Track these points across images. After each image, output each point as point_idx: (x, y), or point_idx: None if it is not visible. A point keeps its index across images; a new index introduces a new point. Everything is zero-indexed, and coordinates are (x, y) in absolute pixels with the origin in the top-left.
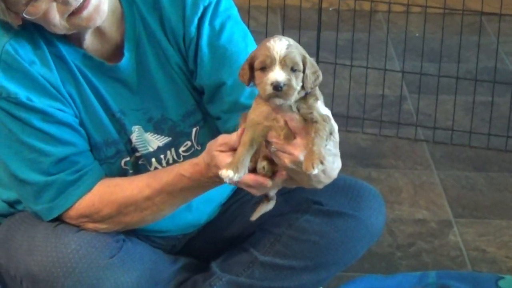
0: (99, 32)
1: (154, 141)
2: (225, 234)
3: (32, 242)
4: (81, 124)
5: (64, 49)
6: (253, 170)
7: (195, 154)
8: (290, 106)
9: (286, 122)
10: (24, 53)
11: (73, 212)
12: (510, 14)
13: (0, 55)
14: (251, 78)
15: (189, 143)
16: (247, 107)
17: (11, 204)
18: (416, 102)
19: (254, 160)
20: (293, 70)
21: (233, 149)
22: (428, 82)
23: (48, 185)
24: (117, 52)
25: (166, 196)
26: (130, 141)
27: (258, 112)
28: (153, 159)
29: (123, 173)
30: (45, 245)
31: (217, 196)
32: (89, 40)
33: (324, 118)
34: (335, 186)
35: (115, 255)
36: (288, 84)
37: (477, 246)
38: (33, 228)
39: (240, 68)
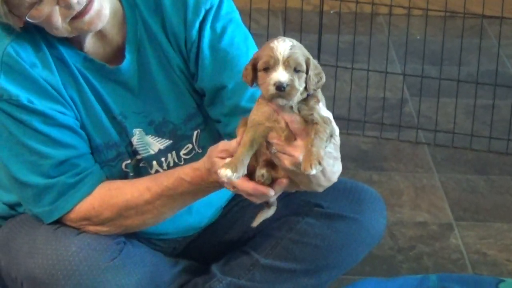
0: (100, 34)
1: (155, 144)
2: (226, 237)
3: (32, 244)
4: (82, 126)
5: (66, 52)
6: (251, 174)
7: (196, 157)
8: (292, 107)
9: (287, 124)
10: (25, 55)
11: (73, 214)
12: (511, 17)
13: (2, 57)
14: (254, 78)
15: (190, 146)
16: (247, 111)
17: (12, 206)
18: (417, 105)
19: (253, 164)
20: (296, 71)
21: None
22: (429, 85)
23: (48, 188)
24: (118, 55)
25: (167, 200)
26: (131, 144)
27: (259, 112)
28: (154, 162)
29: (124, 176)
30: (46, 247)
31: (218, 199)
32: (90, 43)
33: (325, 120)
34: (336, 189)
35: (116, 257)
36: (291, 85)
37: (478, 249)
38: (34, 230)
39: (244, 69)
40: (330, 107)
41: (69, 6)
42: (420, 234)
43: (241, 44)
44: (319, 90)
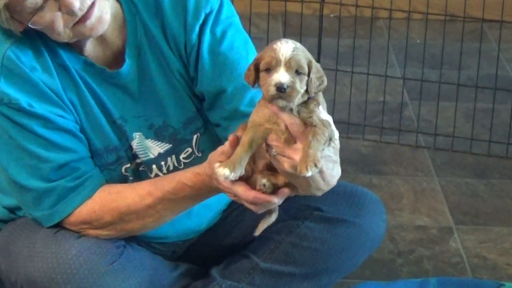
0: (100, 38)
1: (155, 148)
2: (226, 241)
3: (32, 248)
4: (82, 130)
5: (66, 56)
6: (247, 179)
7: (196, 160)
8: (291, 110)
9: (287, 127)
10: (25, 59)
11: (73, 218)
12: (511, 21)
13: (2, 60)
14: (256, 79)
15: (189, 150)
16: (247, 115)
17: (12, 210)
18: (417, 109)
19: (250, 168)
20: (297, 73)
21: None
22: (429, 88)
23: (48, 192)
24: (118, 59)
25: (168, 204)
26: (130, 147)
27: (260, 114)
28: (154, 166)
29: (123, 180)
30: (46, 251)
31: (217, 202)
32: (90, 47)
33: (324, 123)
34: (336, 193)
35: (116, 261)
36: (292, 87)
37: (478, 253)
38: (34, 234)
39: (247, 69)
40: (330, 110)
41: (71, 12)
42: (420, 238)
43: (241, 48)
44: (321, 94)
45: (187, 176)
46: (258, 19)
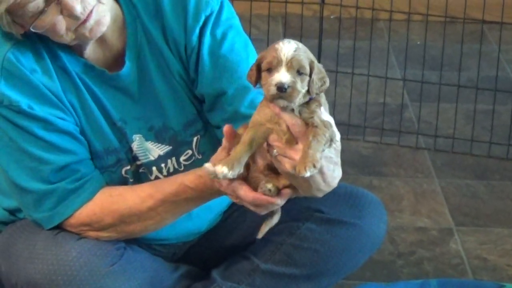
0: (100, 40)
1: (155, 150)
2: (226, 242)
3: (33, 250)
4: (82, 132)
5: (66, 58)
6: (244, 178)
7: (196, 163)
8: (293, 110)
9: (288, 127)
10: (25, 61)
11: (74, 220)
12: (511, 22)
13: (2, 62)
14: (258, 79)
15: (190, 152)
16: (247, 117)
17: (12, 212)
18: (417, 110)
19: (249, 167)
20: (299, 73)
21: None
22: (429, 90)
23: (48, 193)
24: (118, 61)
25: (170, 206)
26: (131, 149)
27: (262, 113)
28: (154, 168)
29: (123, 182)
30: (46, 253)
31: (218, 204)
32: (90, 49)
33: (325, 124)
34: (336, 194)
35: (116, 263)
36: (292, 87)
37: (478, 254)
38: (34, 236)
39: (249, 69)
40: (330, 112)
41: (73, 16)
42: (420, 239)
43: (241, 50)
44: (322, 95)
45: (189, 178)
46: (258, 21)
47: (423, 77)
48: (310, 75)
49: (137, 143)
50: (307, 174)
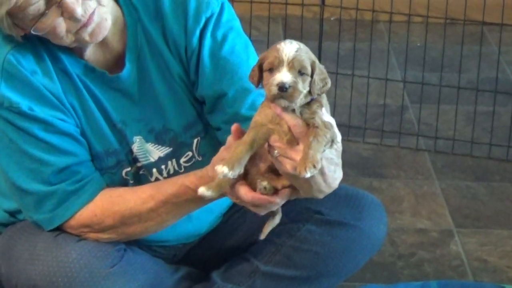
0: (101, 42)
1: (155, 152)
2: (226, 244)
3: (33, 251)
4: (82, 134)
5: (66, 60)
6: (245, 179)
7: (196, 164)
8: (294, 111)
9: (289, 128)
10: (26, 63)
11: (74, 222)
12: (511, 24)
13: (2, 64)
14: (260, 79)
15: (190, 153)
16: (247, 119)
17: (12, 213)
18: (417, 112)
19: (249, 168)
20: (300, 73)
21: None
22: (429, 91)
23: (49, 195)
24: (118, 62)
25: (171, 207)
26: (131, 151)
27: (263, 114)
28: (154, 170)
29: (124, 183)
30: (46, 254)
31: (218, 206)
32: (91, 51)
33: (326, 125)
34: (337, 195)
35: (116, 264)
36: (294, 86)
37: (479, 256)
38: (34, 237)
39: (251, 70)
40: (330, 113)
41: (73, 18)
42: (421, 241)
43: (242, 52)
44: (324, 96)
45: (190, 179)
46: (258, 22)
47: (423, 79)
48: (312, 76)
49: (138, 144)
50: (307, 174)
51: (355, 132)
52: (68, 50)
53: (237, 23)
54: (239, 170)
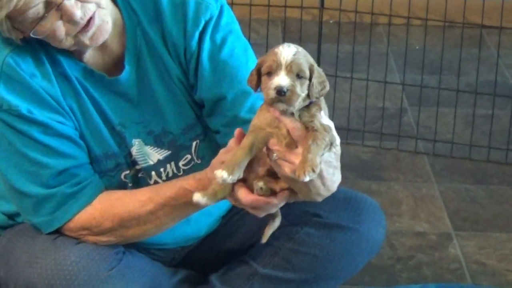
0: (100, 45)
1: (154, 155)
2: (225, 247)
3: (31, 254)
4: (81, 137)
5: (65, 62)
6: (245, 181)
7: (195, 167)
8: (293, 114)
9: (288, 131)
10: (25, 65)
11: (73, 224)
12: (510, 27)
13: (1, 67)
14: (259, 83)
15: (189, 156)
16: (247, 122)
17: (11, 216)
18: (416, 115)
19: (248, 172)
20: (298, 77)
21: None
22: (428, 94)
23: (48, 198)
24: (118, 65)
25: (170, 210)
26: (130, 154)
27: (262, 118)
28: (153, 172)
29: (122, 186)
30: (45, 257)
31: (217, 208)
32: (90, 54)
33: (325, 128)
34: (335, 198)
35: (115, 267)
36: (292, 90)
37: (477, 259)
38: (33, 240)
39: (249, 74)
40: (329, 116)
41: (73, 22)
42: (419, 244)
43: (241, 55)
44: (322, 99)
45: (189, 182)
46: (257, 25)
47: (422, 82)
48: (310, 79)
49: (136, 147)
50: (307, 178)
51: (354, 135)
52: (67, 52)
53: (236, 26)
54: (238, 174)
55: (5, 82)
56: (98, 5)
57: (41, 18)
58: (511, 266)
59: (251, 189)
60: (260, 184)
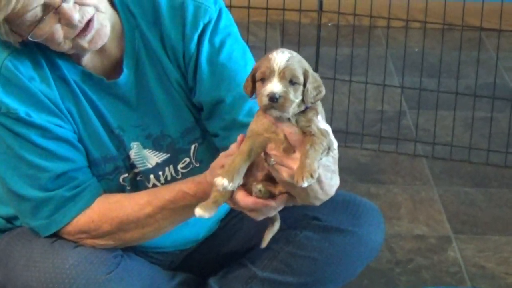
0: (99, 48)
1: (153, 158)
2: (224, 250)
3: (29, 257)
4: (80, 140)
5: (64, 65)
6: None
7: (194, 171)
8: (289, 119)
9: (285, 136)
10: (23, 69)
11: (71, 228)
12: (509, 29)
13: (0, 70)
14: (254, 89)
15: (187, 160)
16: (245, 125)
17: (9, 219)
18: (415, 118)
19: (247, 177)
20: (292, 83)
21: None
22: (427, 97)
23: (46, 201)
24: (116, 68)
25: (168, 213)
26: (128, 157)
27: (259, 123)
28: (152, 176)
29: (121, 190)
30: (43, 260)
31: None
32: (88, 57)
33: (322, 132)
34: (334, 202)
35: (113, 271)
36: (284, 97)
37: (476, 262)
38: (31, 243)
39: (245, 80)
40: (328, 119)
41: (71, 25)
42: (418, 247)
43: (240, 58)
44: (319, 103)
45: (188, 185)
46: (256, 28)
47: (421, 85)
48: (305, 85)
49: (135, 150)
50: (305, 184)
51: (353, 138)
52: (65, 56)
53: (234, 29)
54: (238, 181)
55: (4, 85)
56: (97, 9)
57: (39, 21)
58: (510, 269)
59: (249, 192)
60: (259, 186)
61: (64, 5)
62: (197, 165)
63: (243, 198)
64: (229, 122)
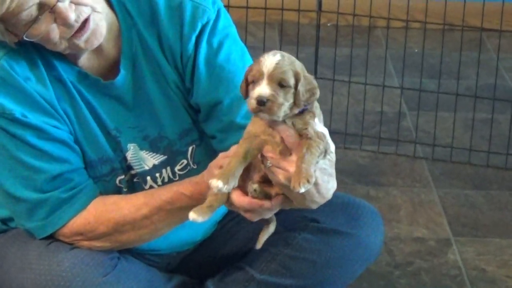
0: (95, 49)
1: (150, 159)
2: (221, 252)
3: (25, 259)
4: (76, 141)
5: (60, 66)
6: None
7: (191, 172)
8: (285, 122)
9: (282, 138)
10: (19, 69)
11: (67, 229)
12: (510, 30)
13: None
14: (248, 91)
15: (185, 161)
16: (243, 127)
17: (4, 221)
18: (415, 119)
19: (243, 179)
20: (281, 85)
21: None
22: (427, 98)
23: (41, 203)
24: (113, 69)
25: (165, 215)
26: (125, 159)
27: (256, 125)
28: (148, 178)
29: (117, 191)
30: (39, 263)
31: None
32: (85, 57)
33: (319, 135)
34: (333, 204)
35: (110, 273)
36: (272, 100)
37: (477, 265)
38: (26, 245)
39: (241, 81)
40: (327, 121)
41: (67, 25)
42: (418, 250)
43: (238, 59)
44: (317, 106)
45: (185, 186)
46: (254, 28)
47: (421, 86)
48: (296, 87)
49: (132, 152)
50: (302, 190)
51: (352, 139)
52: (62, 56)
53: (233, 30)
54: (233, 183)
55: (0, 86)
56: (93, 9)
57: (35, 20)
58: (511, 272)
59: (245, 192)
60: (255, 186)
61: (60, 4)
62: (195, 167)
63: (238, 198)
64: (227, 124)
